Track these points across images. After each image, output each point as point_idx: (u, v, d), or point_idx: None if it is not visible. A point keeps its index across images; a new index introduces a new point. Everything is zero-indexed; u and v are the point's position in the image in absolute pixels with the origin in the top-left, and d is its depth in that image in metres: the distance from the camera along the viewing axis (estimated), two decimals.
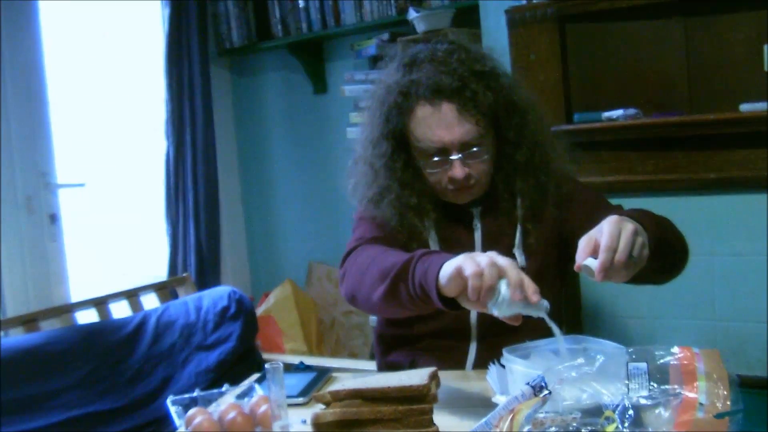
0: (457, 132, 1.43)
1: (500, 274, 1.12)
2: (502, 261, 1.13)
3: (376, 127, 1.53)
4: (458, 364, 1.54)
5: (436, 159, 1.47)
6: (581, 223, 1.49)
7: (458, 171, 1.45)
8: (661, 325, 2.49)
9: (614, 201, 1.60)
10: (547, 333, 1.22)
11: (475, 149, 1.45)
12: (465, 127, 1.43)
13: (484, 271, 1.11)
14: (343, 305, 3.47)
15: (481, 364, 1.47)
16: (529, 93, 1.60)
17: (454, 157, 1.45)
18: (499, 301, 1.11)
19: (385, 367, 1.67)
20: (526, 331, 1.23)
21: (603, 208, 1.54)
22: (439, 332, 1.56)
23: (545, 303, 1.13)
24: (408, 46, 1.78)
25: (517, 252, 1.52)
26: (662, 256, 1.29)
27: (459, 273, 1.13)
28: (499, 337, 1.42)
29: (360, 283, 1.38)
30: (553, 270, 1.59)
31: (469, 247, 1.52)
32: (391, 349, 1.65)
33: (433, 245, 1.53)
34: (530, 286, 1.12)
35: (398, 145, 1.51)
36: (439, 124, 1.44)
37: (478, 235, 1.55)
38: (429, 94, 1.44)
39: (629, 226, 1.16)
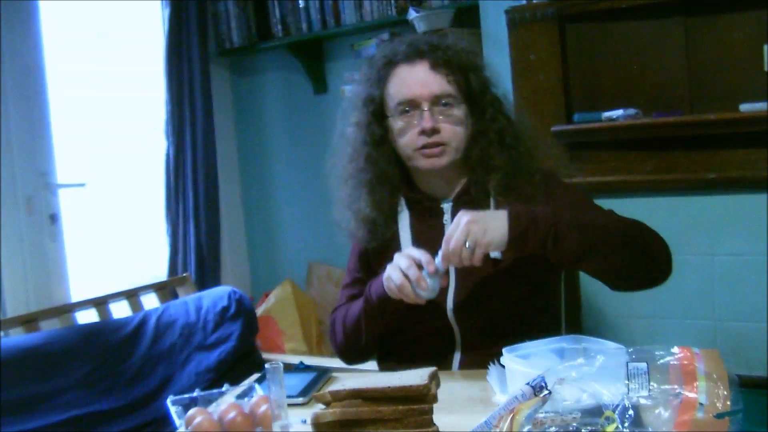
0: (428, 86, 1.52)
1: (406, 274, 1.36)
2: (403, 263, 1.37)
3: (360, 109, 1.64)
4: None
5: (406, 111, 1.53)
6: None
7: (427, 121, 1.51)
8: (661, 325, 2.49)
9: (614, 201, 1.60)
10: (544, 335, 1.23)
11: (444, 102, 1.52)
12: (437, 80, 1.52)
13: (401, 289, 1.37)
14: None
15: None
16: (506, 92, 1.66)
17: (424, 108, 1.51)
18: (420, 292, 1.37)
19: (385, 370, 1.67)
20: (511, 337, 1.26)
21: (584, 208, 1.53)
22: (421, 339, 1.57)
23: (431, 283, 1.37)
24: None
25: None
26: (621, 257, 1.41)
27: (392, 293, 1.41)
28: (482, 347, 1.44)
29: (347, 347, 1.62)
30: (535, 265, 1.53)
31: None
32: (389, 355, 1.66)
33: (406, 243, 1.57)
34: (422, 257, 1.37)
35: (376, 120, 1.59)
36: (413, 80, 1.53)
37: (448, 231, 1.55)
38: (405, 58, 1.55)
39: (464, 217, 1.33)
